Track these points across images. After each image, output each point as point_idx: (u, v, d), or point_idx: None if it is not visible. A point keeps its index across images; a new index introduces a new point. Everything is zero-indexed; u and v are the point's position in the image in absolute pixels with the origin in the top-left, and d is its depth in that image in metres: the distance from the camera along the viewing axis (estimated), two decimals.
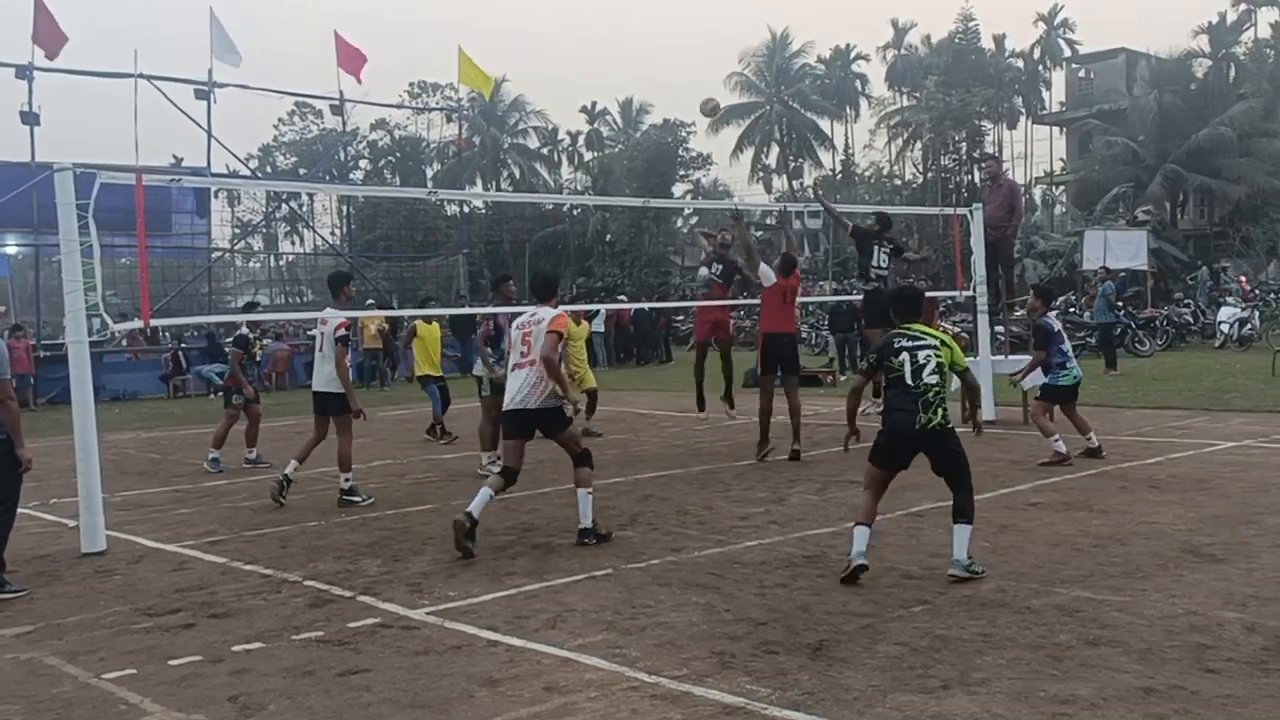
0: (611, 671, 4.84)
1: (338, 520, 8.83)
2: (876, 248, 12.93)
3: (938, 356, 6.25)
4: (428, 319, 14.45)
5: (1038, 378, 13.03)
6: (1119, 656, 4.75)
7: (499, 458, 10.23)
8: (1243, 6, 51.42)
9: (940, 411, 6.17)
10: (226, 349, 13.29)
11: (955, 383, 6.63)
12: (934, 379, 6.19)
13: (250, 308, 16.34)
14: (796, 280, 11.75)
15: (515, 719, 4.36)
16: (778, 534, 7.57)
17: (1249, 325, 24.78)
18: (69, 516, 8.90)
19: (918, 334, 6.36)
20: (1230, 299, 27.45)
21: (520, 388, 7.46)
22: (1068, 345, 10.83)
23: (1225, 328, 24.87)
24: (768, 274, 11.26)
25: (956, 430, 6.32)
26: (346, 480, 9.55)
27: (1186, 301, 29.08)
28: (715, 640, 5.22)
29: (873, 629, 5.29)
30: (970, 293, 13.98)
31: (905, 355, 6.25)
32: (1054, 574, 6.14)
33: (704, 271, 13.04)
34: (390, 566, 7.06)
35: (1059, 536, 7.09)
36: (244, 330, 12.73)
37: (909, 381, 6.19)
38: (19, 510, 7.08)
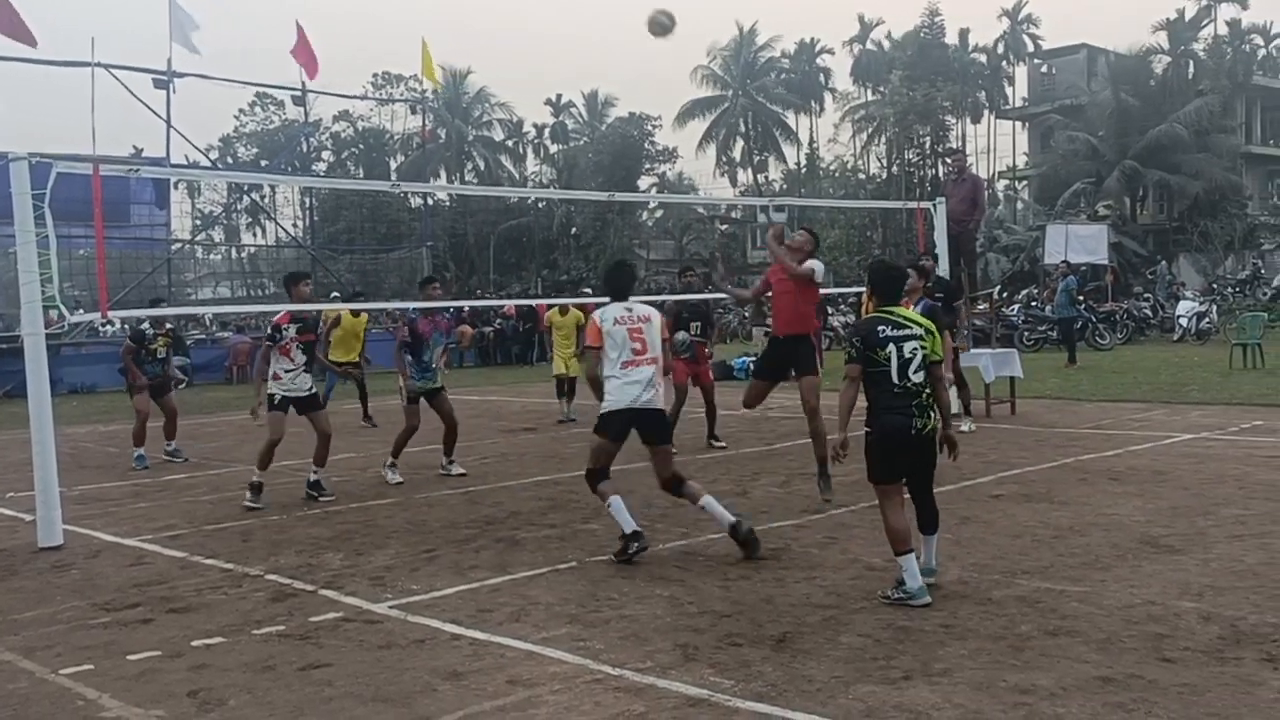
0: (575, 664, 4.83)
1: (299, 514, 8.77)
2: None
3: (923, 348, 5.61)
4: (355, 311, 14.49)
5: (996, 367, 13.19)
6: (1078, 646, 4.80)
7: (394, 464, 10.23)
8: (1202, 2, 52.07)
9: (932, 415, 5.61)
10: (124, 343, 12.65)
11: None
12: (920, 376, 5.57)
13: (155, 304, 15.76)
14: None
15: (478, 712, 4.34)
16: None
17: (1206, 319, 25.14)
18: (25, 511, 8.79)
19: (901, 320, 5.68)
20: (1187, 293, 27.84)
21: (643, 386, 6.80)
22: None
23: (1184, 322, 25.24)
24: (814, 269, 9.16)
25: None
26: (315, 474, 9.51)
27: (1146, 296, 29.47)
28: (679, 632, 5.22)
29: (836, 620, 5.31)
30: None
31: (892, 347, 5.56)
32: (1015, 565, 6.19)
33: (682, 335, 11.81)
34: (353, 560, 7.01)
35: (1020, 528, 7.16)
36: (144, 326, 12.26)
37: (895, 380, 5.54)
38: None
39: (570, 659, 4.90)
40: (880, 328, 5.64)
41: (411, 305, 11.10)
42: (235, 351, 27.11)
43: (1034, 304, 27.50)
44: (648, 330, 6.92)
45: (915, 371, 5.58)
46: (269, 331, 9.35)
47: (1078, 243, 28.89)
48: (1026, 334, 24.94)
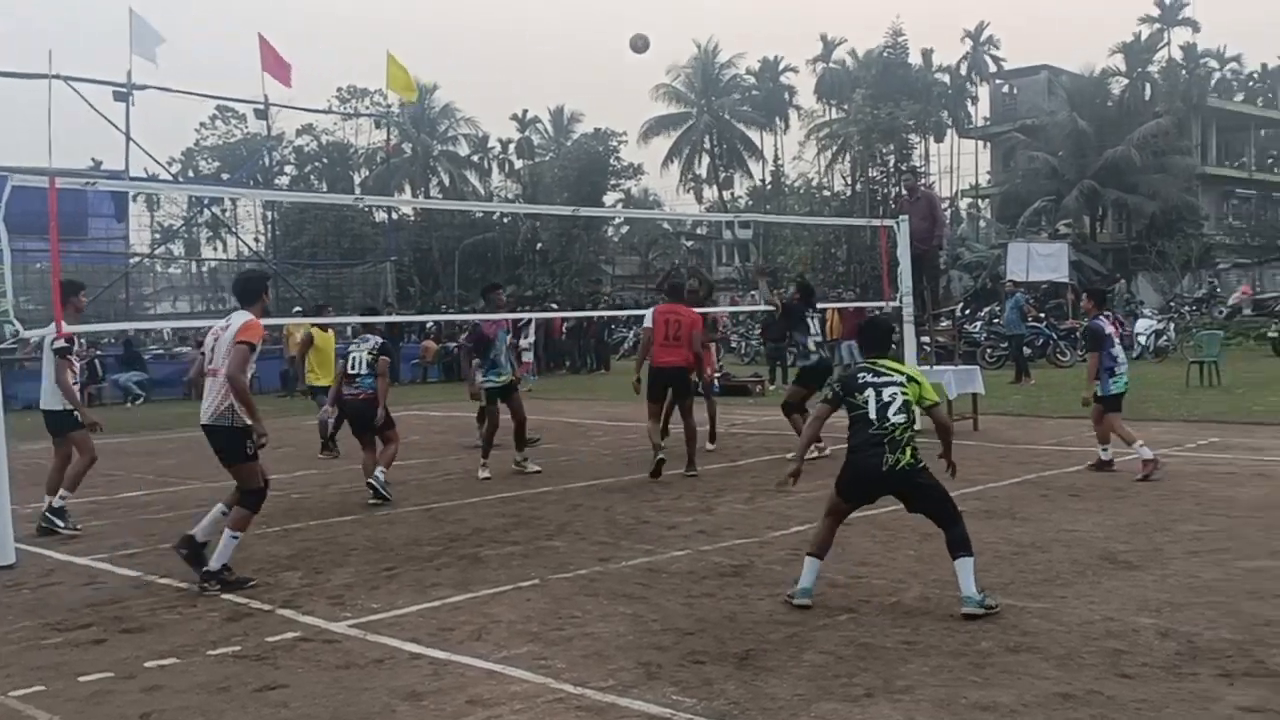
0: (537, 683, 4.78)
1: (258, 532, 8.63)
2: (809, 318, 12.06)
3: (904, 394, 5.85)
4: (324, 327, 14.14)
5: (959, 384, 13.27)
6: (1038, 663, 4.82)
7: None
8: (1155, 26, 52.99)
9: (909, 450, 5.77)
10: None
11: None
12: (900, 418, 5.78)
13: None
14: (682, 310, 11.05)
15: None
16: (706, 543, 7.57)
17: (1164, 337, 25.45)
18: None
19: (884, 369, 5.99)
20: (1146, 311, 28.17)
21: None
22: (1119, 349, 10.16)
23: (1142, 339, 25.51)
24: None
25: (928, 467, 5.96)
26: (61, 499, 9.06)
27: (1106, 313, 29.75)
28: (642, 650, 5.19)
29: (799, 638, 5.30)
30: (897, 303, 14.14)
31: (870, 391, 5.85)
32: (976, 580, 6.20)
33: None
34: (311, 579, 6.92)
35: (982, 544, 7.16)
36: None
37: (873, 419, 5.78)
38: None
39: (531, 678, 4.85)
40: (861, 375, 5.98)
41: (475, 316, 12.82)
42: (195, 366, 26.81)
43: (995, 321, 27.74)
44: (222, 339, 6.80)
45: (896, 414, 5.80)
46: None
47: (1039, 260, 29.16)
48: (989, 351, 25.13)
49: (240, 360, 6.61)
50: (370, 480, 9.83)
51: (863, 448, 5.83)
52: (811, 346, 11.83)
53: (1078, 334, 25.83)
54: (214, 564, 6.71)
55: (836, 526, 6.05)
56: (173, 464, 13.32)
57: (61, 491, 9.01)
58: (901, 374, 5.99)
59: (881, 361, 6.06)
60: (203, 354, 7.41)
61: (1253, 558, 6.61)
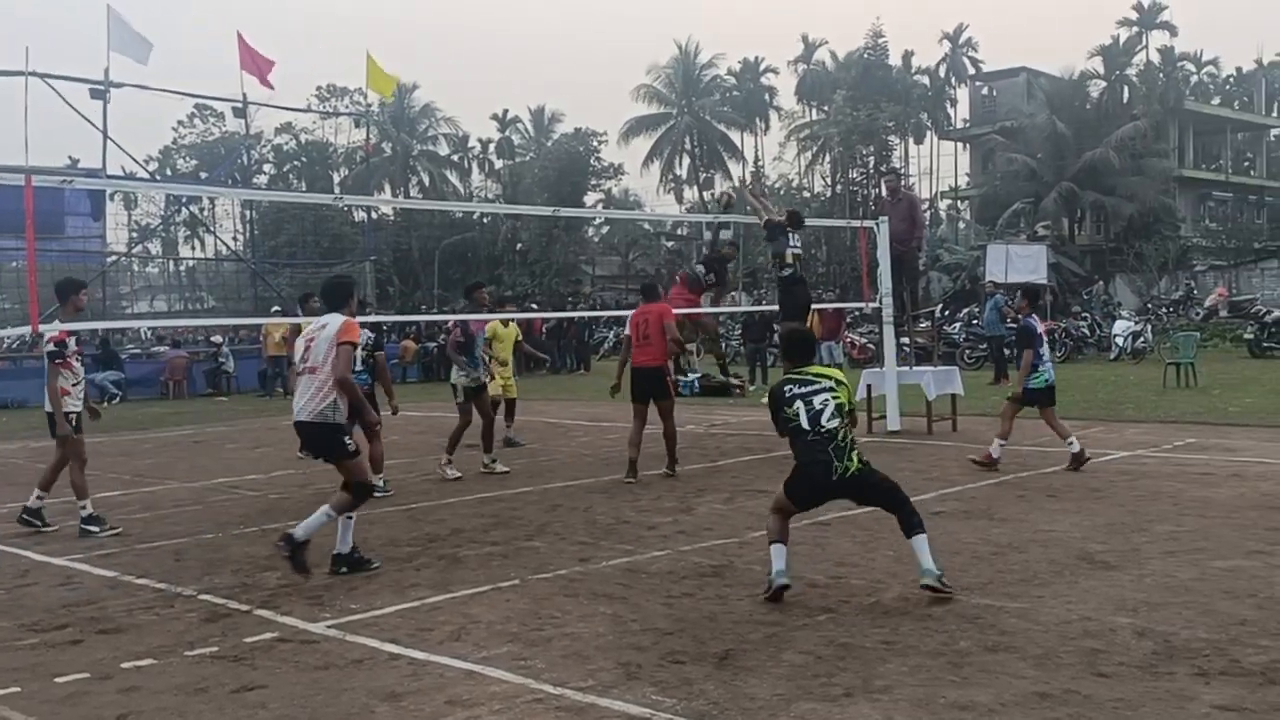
0: (516, 684, 4.77)
1: (235, 532, 8.62)
2: (790, 233, 12.51)
3: (835, 398, 5.94)
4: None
5: (938, 385, 13.38)
6: (1016, 662, 4.84)
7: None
8: (1133, 29, 53.36)
9: (855, 455, 5.89)
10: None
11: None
12: (834, 423, 5.87)
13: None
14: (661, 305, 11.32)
15: None
16: (685, 544, 7.57)
17: (1142, 339, 25.62)
18: None
19: (810, 378, 6.05)
20: (1123, 313, 28.34)
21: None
22: (1046, 349, 10.86)
23: (1120, 341, 25.68)
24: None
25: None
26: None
27: (1083, 315, 29.96)
28: (622, 651, 5.19)
29: (778, 638, 5.31)
30: (877, 304, 14.19)
31: (799, 403, 5.93)
32: (955, 581, 6.22)
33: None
34: (290, 579, 6.87)
35: (960, 545, 7.22)
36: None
37: (807, 428, 5.88)
38: None
39: (511, 678, 4.84)
40: (787, 388, 6.04)
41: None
42: (171, 366, 26.67)
43: (975, 322, 27.87)
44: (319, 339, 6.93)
45: (830, 419, 5.89)
46: (52, 349, 8.65)
47: (1018, 262, 29.24)
48: (968, 352, 25.24)
49: (347, 361, 6.85)
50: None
51: (808, 457, 5.93)
52: (789, 259, 12.48)
53: (1056, 335, 26.06)
54: (342, 547, 6.97)
55: (788, 520, 6.15)
56: (149, 464, 13.24)
57: (83, 502, 8.84)
58: (829, 378, 6.07)
59: (808, 370, 6.14)
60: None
61: (1228, 558, 6.66)
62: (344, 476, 6.96)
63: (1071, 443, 10.33)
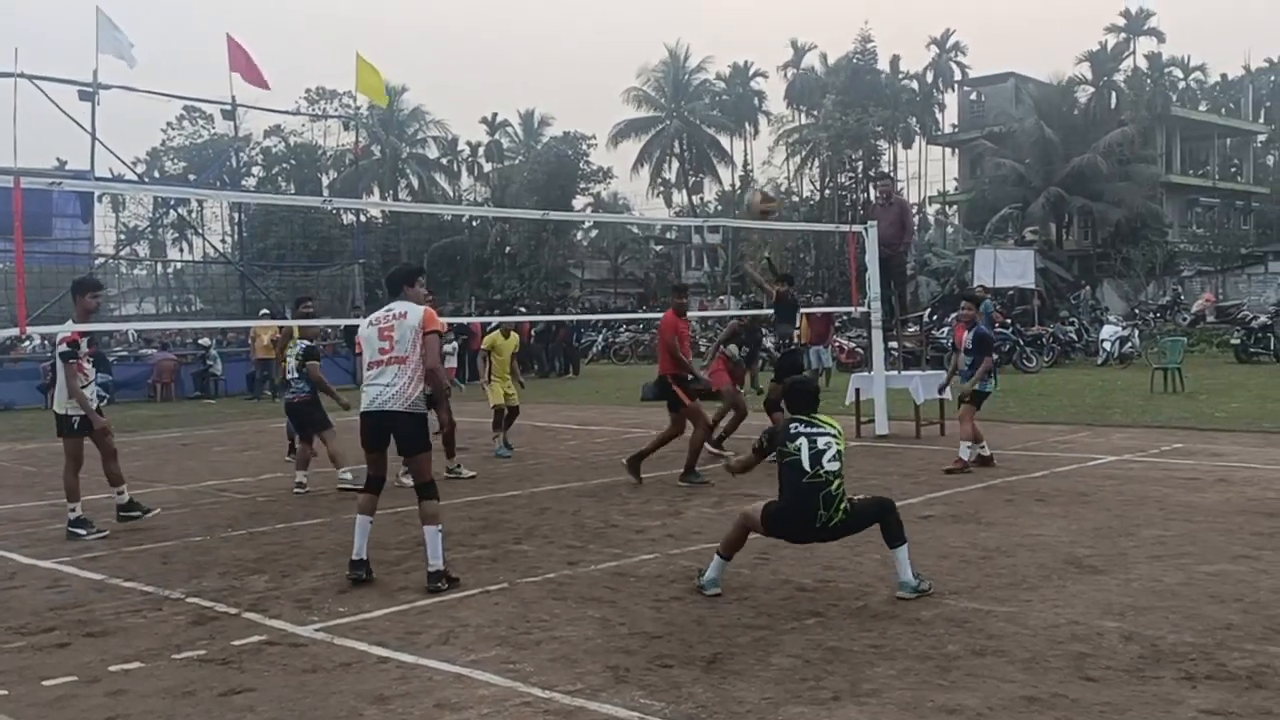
0: (504, 687, 4.77)
1: (224, 535, 8.59)
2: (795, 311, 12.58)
3: (837, 444, 5.98)
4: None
5: (926, 389, 13.45)
6: (1004, 666, 4.86)
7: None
8: (1120, 35, 53.59)
9: (842, 508, 5.90)
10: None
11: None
12: (834, 465, 5.89)
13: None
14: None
15: None
16: (674, 547, 7.58)
17: (1129, 344, 25.72)
18: None
19: (817, 422, 6.08)
20: (1111, 318, 28.45)
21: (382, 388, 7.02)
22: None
23: (1107, 345, 25.77)
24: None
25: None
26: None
27: (1071, 320, 30.06)
28: (610, 654, 5.19)
29: (766, 641, 5.32)
30: (865, 309, 14.22)
31: (803, 440, 5.92)
32: (943, 585, 6.25)
33: (734, 349, 12.36)
34: (278, 582, 6.88)
35: (948, 549, 7.24)
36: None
37: (807, 468, 5.84)
38: None
39: (499, 681, 4.84)
40: (794, 426, 6.06)
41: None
42: (159, 369, 26.57)
43: None
44: (399, 328, 6.81)
45: (830, 461, 5.89)
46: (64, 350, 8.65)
47: (1006, 267, 29.38)
48: None
49: (436, 351, 6.78)
50: (339, 485, 10.32)
51: (796, 500, 5.91)
52: (793, 339, 12.69)
53: (1044, 339, 26.15)
54: (437, 564, 6.61)
55: (744, 538, 6.19)
56: (137, 466, 13.16)
57: (73, 505, 8.78)
58: (833, 427, 6.09)
59: (815, 417, 6.13)
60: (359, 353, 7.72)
61: (1214, 562, 6.69)
62: (413, 474, 6.87)
63: (983, 446, 10.79)
